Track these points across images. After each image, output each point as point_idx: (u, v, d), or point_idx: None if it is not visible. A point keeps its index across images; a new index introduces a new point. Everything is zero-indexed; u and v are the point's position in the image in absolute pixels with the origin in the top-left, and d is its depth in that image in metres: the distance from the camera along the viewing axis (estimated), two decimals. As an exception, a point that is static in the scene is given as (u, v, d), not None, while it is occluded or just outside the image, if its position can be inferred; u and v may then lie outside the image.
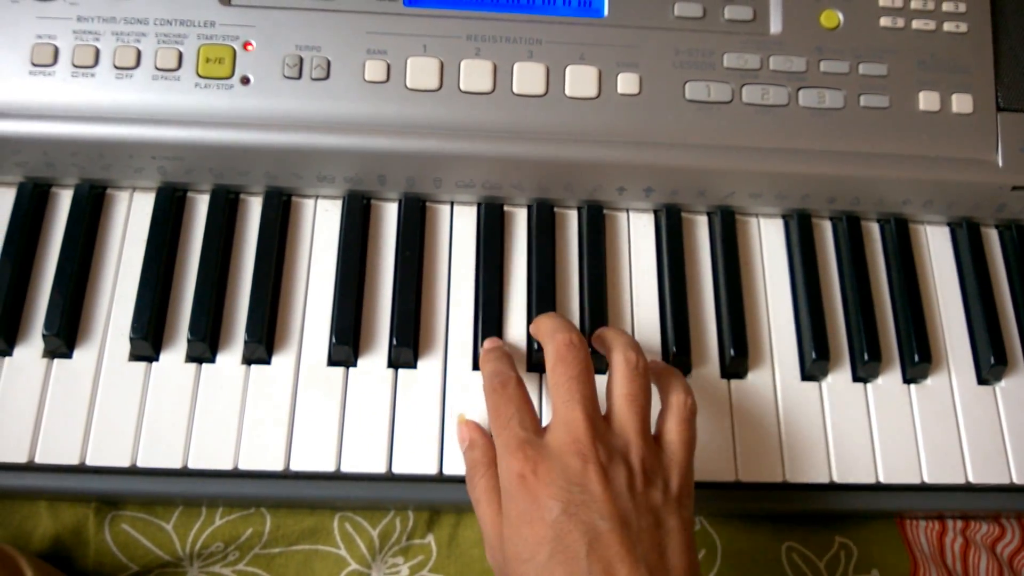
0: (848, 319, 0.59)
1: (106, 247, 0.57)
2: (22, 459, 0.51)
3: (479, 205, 0.60)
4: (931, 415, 0.56)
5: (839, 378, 0.57)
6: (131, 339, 0.53)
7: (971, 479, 0.55)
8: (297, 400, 0.53)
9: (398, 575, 0.54)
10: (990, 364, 0.57)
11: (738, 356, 0.56)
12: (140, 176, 0.57)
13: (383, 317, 0.56)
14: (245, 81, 0.55)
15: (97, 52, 0.55)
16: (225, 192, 0.58)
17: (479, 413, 0.54)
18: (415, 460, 0.53)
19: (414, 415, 0.53)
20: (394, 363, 0.55)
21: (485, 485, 0.48)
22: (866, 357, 0.56)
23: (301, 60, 0.55)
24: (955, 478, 0.55)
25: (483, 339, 0.55)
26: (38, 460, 0.51)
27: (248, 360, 0.54)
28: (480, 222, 0.59)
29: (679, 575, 0.43)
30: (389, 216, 0.59)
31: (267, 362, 0.54)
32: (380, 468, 0.52)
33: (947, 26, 0.59)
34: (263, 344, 0.54)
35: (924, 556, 0.58)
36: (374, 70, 0.55)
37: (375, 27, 0.56)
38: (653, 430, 0.49)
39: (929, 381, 0.58)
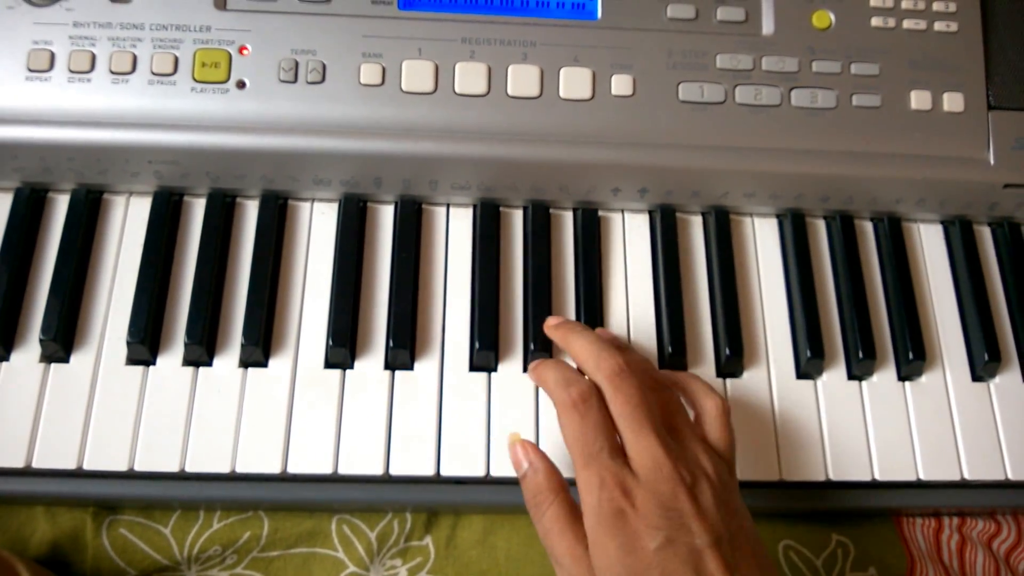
0: (842, 317, 0.59)
1: (103, 252, 0.57)
2: (19, 464, 0.51)
3: (475, 207, 0.60)
4: (926, 412, 0.57)
5: (834, 376, 0.57)
6: (128, 343, 0.53)
7: (966, 476, 0.55)
8: (294, 403, 0.53)
9: (396, 577, 0.55)
10: (984, 361, 0.58)
11: (733, 355, 0.56)
12: (136, 181, 0.57)
13: (380, 319, 0.56)
14: (241, 85, 0.55)
15: (93, 57, 0.55)
16: (221, 196, 0.58)
17: (479, 416, 0.54)
18: (412, 462, 0.53)
19: (411, 417, 0.54)
20: (391, 365, 0.55)
21: (555, 513, 0.46)
22: (861, 355, 0.57)
23: (297, 64, 0.56)
24: (951, 475, 0.55)
25: (479, 340, 0.55)
26: (35, 465, 0.51)
27: (245, 363, 0.54)
28: (476, 224, 0.59)
29: (769, 569, 0.45)
30: (385, 218, 0.59)
31: (264, 365, 0.54)
32: (377, 470, 0.52)
33: (938, 25, 0.59)
34: (260, 347, 0.54)
35: (921, 553, 0.58)
36: (369, 73, 0.56)
37: (370, 31, 0.56)
38: None
39: (924, 378, 0.58)
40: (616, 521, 0.43)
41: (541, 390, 0.55)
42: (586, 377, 0.48)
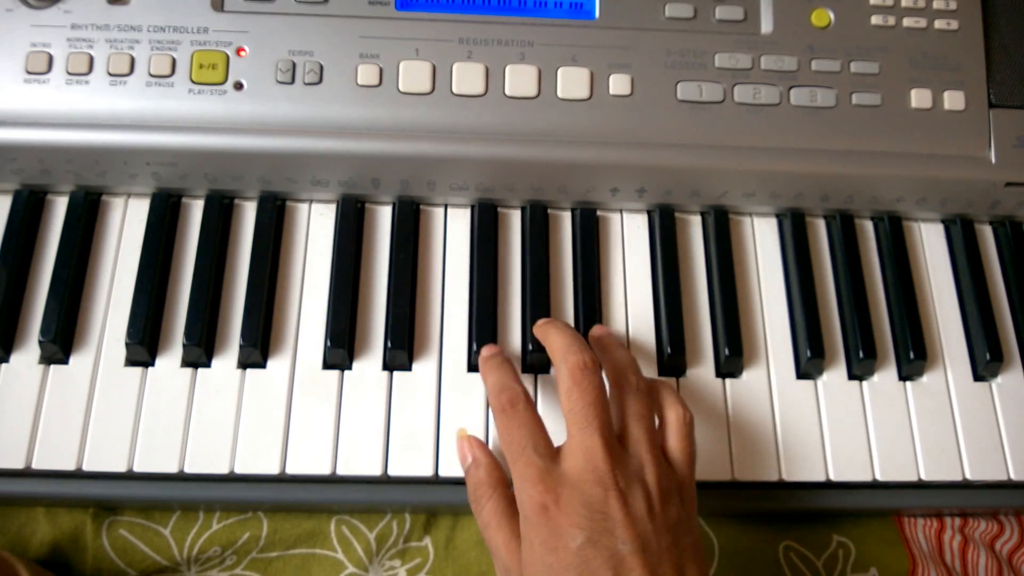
0: (843, 317, 0.59)
1: (101, 253, 0.57)
2: (19, 465, 0.51)
3: (473, 207, 0.60)
4: (927, 412, 0.56)
5: (834, 376, 0.57)
6: (127, 344, 0.53)
7: (968, 476, 0.55)
8: (293, 403, 0.53)
9: (395, 578, 0.55)
10: (986, 361, 0.57)
11: (733, 355, 0.56)
12: (135, 182, 0.57)
13: (378, 320, 0.56)
14: (239, 87, 0.55)
15: (91, 59, 0.55)
16: (220, 197, 0.58)
17: (477, 417, 0.54)
18: (411, 462, 0.53)
19: (409, 417, 0.54)
20: (389, 366, 0.55)
21: (494, 507, 0.47)
22: (861, 355, 0.56)
23: (294, 65, 0.56)
24: (952, 475, 0.55)
25: (478, 341, 0.55)
26: (35, 466, 0.51)
27: (244, 364, 0.54)
28: (474, 224, 0.59)
29: None
30: (383, 219, 0.59)
31: (262, 366, 0.54)
32: (376, 471, 0.52)
33: (938, 24, 0.59)
34: (258, 348, 0.54)
35: (923, 554, 0.57)
36: (367, 74, 0.56)
37: (367, 31, 0.56)
38: None
39: (925, 378, 0.58)
40: (540, 517, 0.44)
41: (541, 391, 0.55)
42: (520, 386, 0.49)
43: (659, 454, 0.47)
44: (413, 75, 0.56)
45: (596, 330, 0.55)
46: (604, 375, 0.50)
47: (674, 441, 0.48)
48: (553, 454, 0.46)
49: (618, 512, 0.43)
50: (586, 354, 0.48)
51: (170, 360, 0.54)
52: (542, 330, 0.53)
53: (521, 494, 0.45)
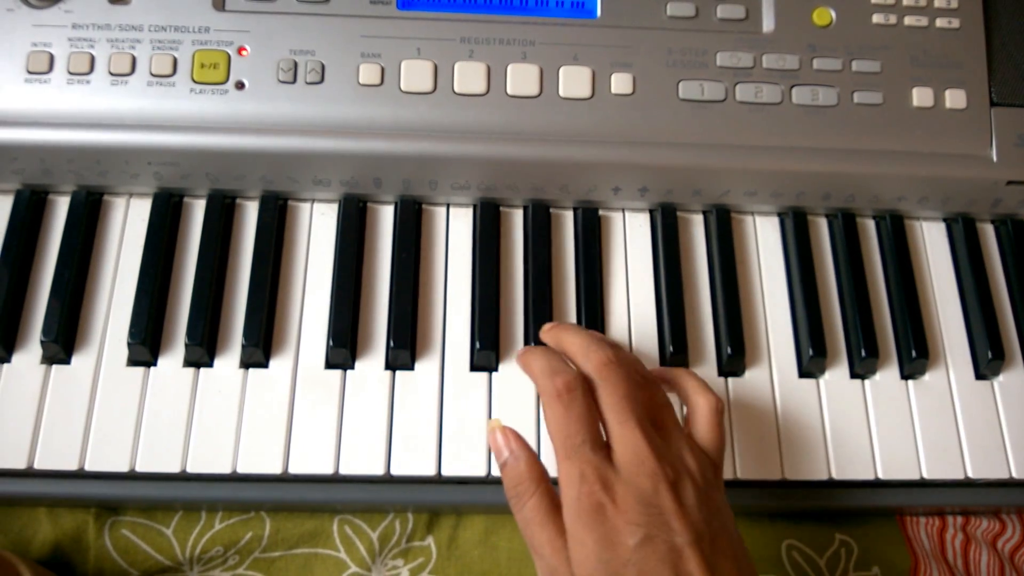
0: (845, 316, 0.59)
1: (103, 253, 0.57)
2: (21, 465, 0.51)
3: (475, 207, 0.60)
4: (929, 411, 0.56)
5: (837, 375, 0.57)
6: (129, 344, 0.53)
7: (970, 474, 0.55)
8: (295, 403, 0.53)
9: (398, 577, 0.55)
10: (988, 359, 0.57)
11: (735, 354, 0.56)
12: (136, 182, 0.57)
13: (380, 320, 0.56)
14: (240, 86, 0.55)
15: (92, 59, 0.55)
16: (221, 197, 0.58)
17: (479, 416, 0.54)
18: (413, 462, 0.53)
19: (412, 417, 0.54)
20: (391, 365, 0.55)
21: (537, 503, 0.45)
22: (863, 353, 0.56)
23: (296, 64, 0.56)
24: (954, 474, 0.55)
25: (480, 340, 0.55)
26: (37, 466, 0.51)
27: (246, 364, 0.54)
28: (476, 224, 0.59)
29: (750, 571, 0.44)
30: (385, 219, 0.59)
31: (265, 366, 0.54)
32: (379, 470, 0.52)
33: (939, 22, 0.59)
34: (260, 348, 0.54)
35: (925, 552, 0.58)
36: (368, 73, 0.56)
37: (369, 31, 0.56)
38: None
39: (927, 377, 0.58)
40: (595, 515, 0.43)
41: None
42: (574, 368, 0.47)
43: (694, 442, 0.47)
44: (415, 74, 0.56)
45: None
46: None
47: (704, 429, 0.48)
48: (606, 448, 0.45)
49: (670, 504, 0.43)
50: (607, 350, 0.47)
51: (172, 360, 0.54)
52: (553, 334, 0.51)
53: (573, 491, 0.44)
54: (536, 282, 0.57)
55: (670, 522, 0.43)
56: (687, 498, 0.44)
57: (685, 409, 0.50)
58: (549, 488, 0.46)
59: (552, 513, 0.45)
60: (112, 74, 0.55)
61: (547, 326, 0.53)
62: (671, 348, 0.56)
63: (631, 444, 0.44)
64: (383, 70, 0.56)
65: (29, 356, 0.54)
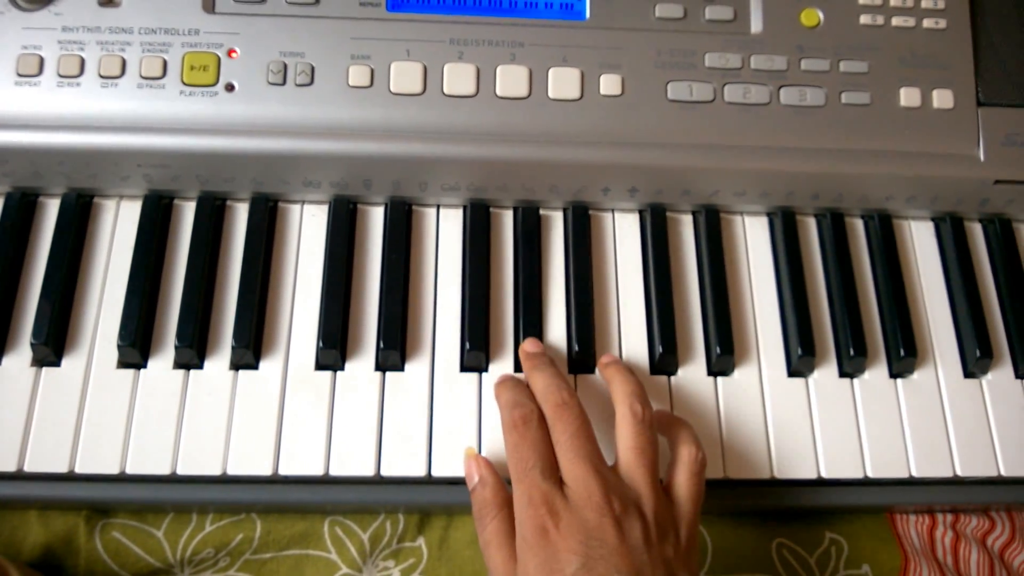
0: (833, 315, 0.59)
1: (93, 256, 0.57)
2: (11, 468, 0.51)
3: (465, 208, 0.60)
4: (918, 409, 0.57)
5: (825, 374, 0.57)
6: (119, 346, 0.53)
7: (959, 472, 0.55)
8: (285, 405, 0.53)
9: (389, 578, 0.55)
10: (976, 357, 0.58)
11: (724, 354, 0.56)
12: (126, 184, 0.57)
13: (370, 321, 0.56)
14: (230, 88, 0.55)
15: (82, 61, 0.55)
16: (211, 199, 0.58)
17: (469, 416, 0.54)
18: (404, 463, 0.53)
19: (402, 418, 0.54)
20: (381, 366, 0.55)
21: (496, 528, 0.47)
22: (852, 352, 0.57)
23: (285, 66, 0.56)
24: (943, 471, 0.55)
25: (470, 341, 0.55)
26: (27, 469, 0.51)
27: (236, 366, 0.54)
28: (466, 225, 0.59)
29: None
30: (375, 220, 0.59)
31: (255, 367, 0.54)
32: (369, 471, 0.52)
33: (927, 23, 0.59)
34: (251, 350, 0.54)
35: (915, 550, 0.58)
36: (358, 75, 0.56)
37: (358, 32, 0.56)
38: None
39: (915, 375, 0.58)
40: (539, 538, 0.44)
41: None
42: (534, 404, 0.49)
43: (658, 488, 0.47)
44: (404, 76, 0.56)
45: (606, 358, 0.55)
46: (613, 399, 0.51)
47: (682, 478, 0.48)
48: (557, 478, 0.47)
49: (613, 538, 0.44)
50: (563, 391, 0.49)
51: (162, 362, 0.54)
52: (526, 369, 0.53)
53: (521, 514, 0.46)
54: (526, 283, 0.57)
55: (609, 557, 0.43)
56: (632, 537, 0.44)
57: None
58: (510, 513, 0.47)
59: (510, 536, 0.47)
60: (102, 76, 0.55)
61: (529, 348, 0.54)
62: (660, 348, 0.56)
63: (580, 478, 0.46)
64: (373, 72, 0.56)
65: (19, 358, 0.54)
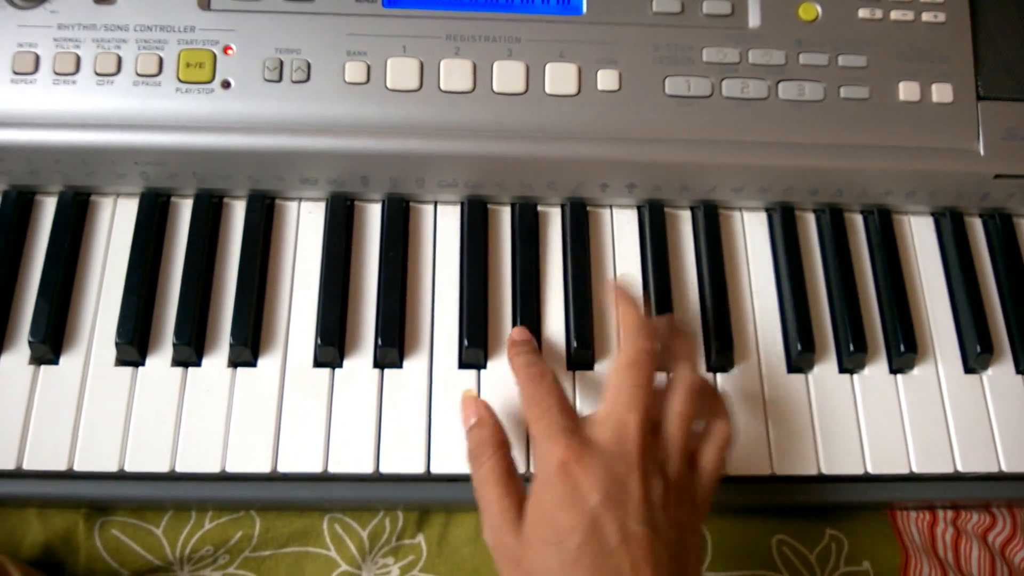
0: (833, 311, 0.59)
1: (91, 253, 0.57)
2: (10, 466, 0.51)
3: (462, 204, 0.60)
4: (918, 405, 0.56)
5: (825, 370, 0.57)
6: (117, 344, 0.53)
7: (960, 468, 0.55)
8: (283, 402, 0.53)
9: (388, 575, 0.54)
10: (976, 353, 0.57)
11: (723, 350, 0.56)
12: (123, 182, 0.57)
13: (368, 318, 0.56)
14: (226, 85, 0.55)
15: (78, 59, 0.55)
16: (208, 196, 0.58)
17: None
18: (402, 459, 0.53)
19: (401, 415, 0.54)
20: (380, 363, 0.55)
21: (493, 466, 0.47)
22: (852, 348, 0.56)
23: (281, 63, 0.56)
24: (944, 467, 0.55)
25: (468, 338, 0.55)
26: (26, 467, 0.51)
27: (234, 363, 0.54)
28: (464, 221, 0.59)
29: None
30: (373, 217, 0.59)
31: (253, 365, 0.54)
32: (368, 468, 0.52)
33: (925, 16, 0.59)
34: (249, 347, 0.54)
35: (915, 547, 0.58)
36: (354, 71, 0.56)
37: (354, 29, 0.56)
38: None
39: (916, 371, 0.58)
40: (559, 473, 0.44)
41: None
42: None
43: (687, 456, 0.48)
44: (401, 72, 0.56)
45: (671, 318, 0.55)
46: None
47: (710, 452, 0.49)
48: (578, 420, 0.47)
49: (637, 490, 0.44)
50: (655, 342, 0.49)
51: (160, 359, 0.54)
52: (620, 303, 0.53)
53: (540, 449, 0.46)
54: (524, 279, 0.57)
55: (628, 504, 0.44)
56: (655, 495, 0.44)
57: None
58: (508, 456, 0.48)
59: (506, 476, 0.47)
60: (98, 74, 0.55)
61: (618, 292, 0.54)
62: (659, 344, 0.56)
63: (623, 425, 0.46)
64: (369, 68, 0.56)
65: (17, 357, 0.54)
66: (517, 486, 0.47)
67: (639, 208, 0.61)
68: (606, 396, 0.47)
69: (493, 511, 0.46)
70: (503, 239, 0.59)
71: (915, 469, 0.55)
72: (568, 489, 0.44)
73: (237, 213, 0.59)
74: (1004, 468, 0.55)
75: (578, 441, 0.45)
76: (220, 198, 0.59)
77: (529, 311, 0.56)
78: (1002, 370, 0.58)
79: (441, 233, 0.59)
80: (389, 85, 0.56)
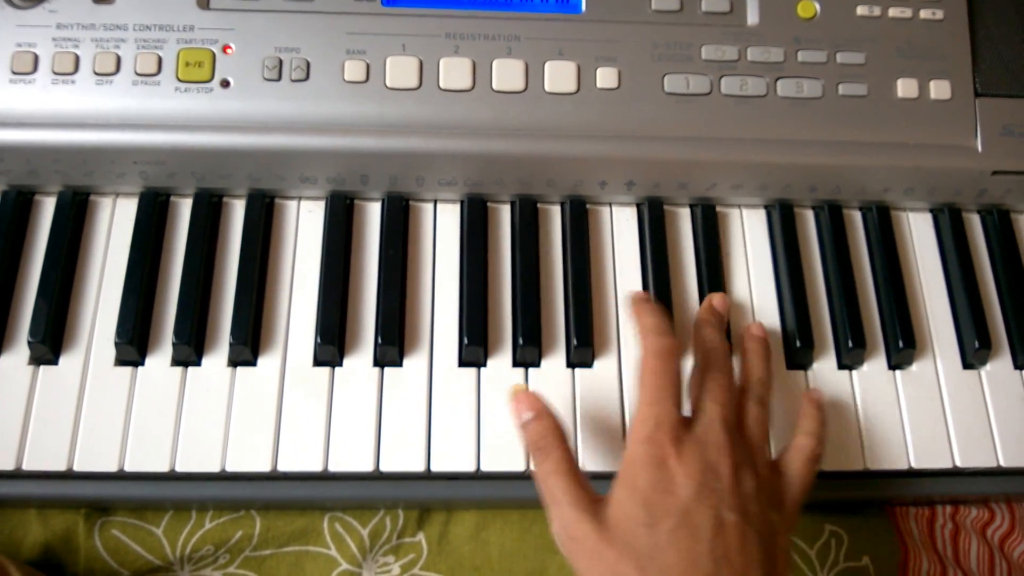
0: (832, 307, 0.59)
1: (90, 253, 0.57)
2: (10, 466, 0.51)
3: (462, 202, 0.60)
4: (917, 401, 0.57)
5: (824, 366, 0.57)
6: (116, 344, 0.53)
7: (959, 464, 0.55)
8: (283, 401, 0.53)
9: (389, 574, 0.54)
10: (975, 348, 0.57)
11: (723, 347, 0.56)
12: (123, 182, 0.57)
13: (368, 316, 0.56)
14: (225, 84, 0.55)
15: (77, 59, 0.55)
16: (208, 195, 0.58)
17: (468, 411, 0.54)
18: (403, 458, 0.53)
19: (401, 413, 0.54)
20: (380, 362, 0.55)
21: (561, 456, 0.47)
22: (851, 344, 0.57)
23: (281, 62, 0.56)
24: (943, 463, 0.55)
25: (468, 336, 0.55)
26: (26, 467, 0.51)
27: (234, 362, 0.54)
28: (463, 219, 0.59)
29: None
30: (372, 215, 0.59)
31: (253, 364, 0.54)
32: (368, 467, 0.52)
33: (923, 13, 0.59)
34: (248, 346, 0.54)
35: (915, 542, 0.58)
36: (353, 70, 0.56)
37: (354, 27, 0.56)
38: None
39: (914, 367, 0.58)
40: (656, 461, 0.45)
41: (532, 385, 0.55)
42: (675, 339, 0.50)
43: (770, 462, 0.49)
44: (400, 71, 0.56)
45: (754, 328, 0.56)
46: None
47: (796, 462, 0.50)
48: (686, 419, 0.48)
49: (729, 479, 0.45)
50: (726, 345, 0.52)
51: (160, 359, 0.54)
52: (706, 306, 0.55)
53: (644, 432, 0.46)
54: (524, 277, 0.57)
55: (723, 493, 0.45)
56: (746, 486, 0.46)
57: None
58: (569, 447, 0.48)
59: (573, 467, 0.47)
60: (97, 73, 0.55)
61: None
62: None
63: (711, 419, 0.47)
64: (368, 67, 0.56)
65: (16, 357, 0.54)
66: (584, 476, 0.47)
67: (638, 206, 0.61)
68: (700, 395, 0.49)
69: (567, 502, 0.46)
70: (503, 237, 0.59)
71: (914, 465, 0.55)
72: (664, 476, 0.45)
73: (237, 212, 0.59)
74: (1002, 463, 0.55)
75: (683, 434, 0.46)
76: (220, 197, 0.59)
77: (528, 309, 0.56)
78: (1000, 366, 0.58)
79: (441, 231, 0.59)
80: (388, 84, 0.56)
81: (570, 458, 0.47)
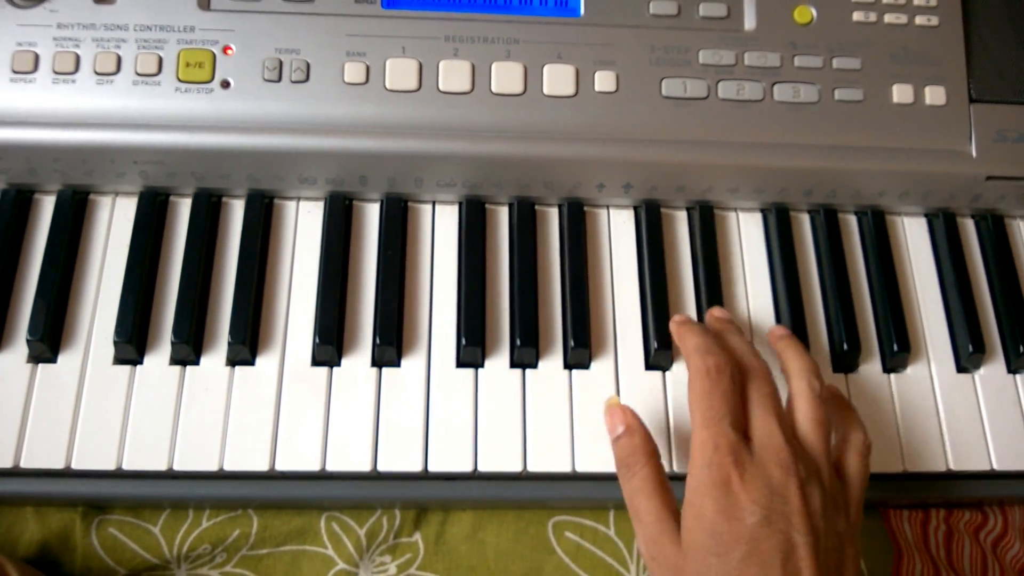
0: (827, 311, 0.59)
1: (89, 252, 0.57)
2: (7, 464, 0.51)
3: (460, 204, 0.60)
4: (911, 404, 0.57)
5: (820, 369, 0.57)
6: (115, 343, 0.53)
7: (952, 467, 0.56)
8: (282, 400, 0.54)
9: (386, 574, 0.55)
10: (968, 352, 0.58)
11: (719, 349, 0.56)
12: (122, 181, 0.57)
13: (366, 317, 0.56)
14: (225, 85, 0.56)
15: (77, 59, 0.55)
16: (207, 195, 0.58)
17: (466, 412, 0.54)
18: (400, 458, 0.53)
19: (398, 413, 0.54)
20: (378, 362, 0.55)
21: (648, 475, 0.47)
22: (846, 348, 0.57)
23: (281, 63, 0.56)
24: (936, 466, 0.56)
25: (466, 337, 0.55)
26: (23, 465, 0.51)
27: (232, 361, 0.55)
28: (462, 221, 0.60)
29: None
30: (371, 216, 0.60)
31: (251, 363, 0.55)
32: (365, 467, 0.52)
33: (919, 20, 0.60)
34: (247, 345, 0.54)
35: (908, 545, 0.58)
36: (353, 72, 0.56)
37: (354, 29, 0.57)
38: None
39: (908, 370, 0.58)
40: (720, 486, 0.44)
41: (529, 386, 0.55)
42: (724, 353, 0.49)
43: (832, 463, 0.48)
44: (400, 73, 0.56)
45: (778, 330, 0.55)
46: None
47: (853, 460, 0.49)
48: (743, 432, 0.47)
49: (796, 500, 0.44)
50: (756, 350, 0.51)
51: (158, 358, 0.54)
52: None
53: (705, 457, 0.45)
54: (521, 279, 0.57)
55: (791, 516, 0.44)
56: (813, 502, 0.45)
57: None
58: (659, 464, 0.48)
59: (660, 486, 0.47)
60: (97, 73, 0.55)
61: (716, 323, 0.54)
62: (655, 344, 0.56)
63: (769, 434, 0.46)
64: (368, 69, 0.56)
65: (15, 355, 0.54)
66: (670, 495, 0.47)
67: (635, 208, 0.61)
68: (749, 409, 0.47)
69: (650, 521, 0.46)
70: (501, 239, 0.60)
71: (908, 468, 0.55)
72: (730, 503, 0.44)
73: (236, 212, 0.59)
74: (996, 467, 0.56)
75: (744, 456, 0.45)
76: (219, 197, 0.59)
77: (526, 310, 0.56)
78: (994, 369, 0.59)
79: (439, 233, 0.59)
80: (388, 86, 0.56)
81: (657, 476, 0.47)
